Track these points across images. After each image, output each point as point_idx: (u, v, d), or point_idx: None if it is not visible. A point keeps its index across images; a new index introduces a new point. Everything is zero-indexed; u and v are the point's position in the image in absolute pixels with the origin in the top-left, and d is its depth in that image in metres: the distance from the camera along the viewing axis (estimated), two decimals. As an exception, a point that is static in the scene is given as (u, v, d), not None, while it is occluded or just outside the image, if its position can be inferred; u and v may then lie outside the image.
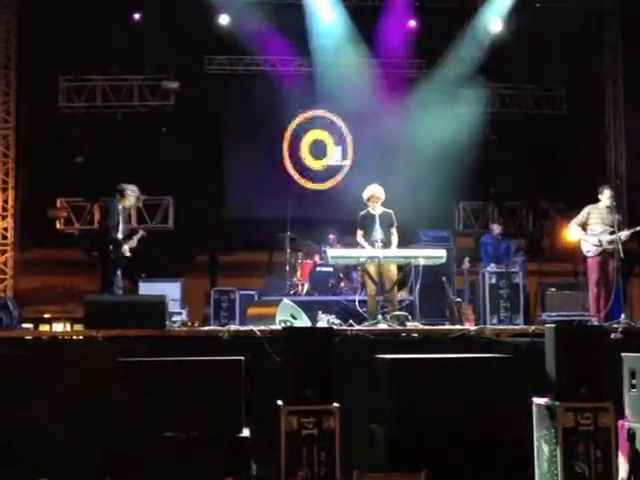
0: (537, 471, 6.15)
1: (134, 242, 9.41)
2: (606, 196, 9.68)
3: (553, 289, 12.06)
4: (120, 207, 9.41)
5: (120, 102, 14.57)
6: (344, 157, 15.19)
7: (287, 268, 12.20)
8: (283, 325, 8.18)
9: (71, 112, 14.54)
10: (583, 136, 14.45)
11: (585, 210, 9.79)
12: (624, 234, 9.47)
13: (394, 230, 9.64)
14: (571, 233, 10.06)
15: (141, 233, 9.67)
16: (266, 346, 7.12)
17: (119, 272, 9.28)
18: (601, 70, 14.92)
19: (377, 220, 9.46)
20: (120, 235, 9.30)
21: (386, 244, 9.41)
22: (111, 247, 9.18)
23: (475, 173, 14.04)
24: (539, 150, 14.56)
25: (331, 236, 12.67)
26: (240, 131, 14.70)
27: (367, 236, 9.54)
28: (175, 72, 14.43)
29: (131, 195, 9.49)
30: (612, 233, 9.48)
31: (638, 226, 9.52)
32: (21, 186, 14.26)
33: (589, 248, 9.65)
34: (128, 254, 9.27)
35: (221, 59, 14.81)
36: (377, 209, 9.63)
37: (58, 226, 14.53)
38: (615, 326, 8.15)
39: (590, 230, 9.69)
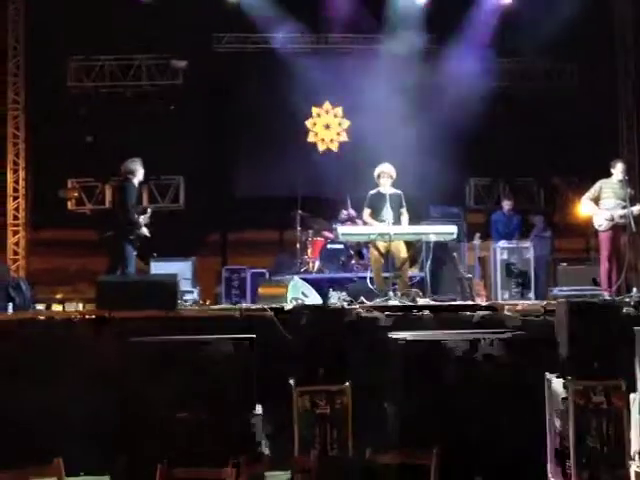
0: (549, 447, 6.16)
1: (146, 220, 9.40)
2: (619, 170, 9.62)
3: (564, 264, 12.03)
4: (137, 186, 9.38)
5: (129, 82, 14.54)
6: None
7: (298, 246, 12.20)
8: (294, 303, 8.19)
9: (80, 92, 14.52)
10: (595, 110, 14.34)
11: (597, 184, 9.73)
12: (637, 208, 9.42)
13: (404, 210, 9.62)
14: (584, 208, 10.00)
15: (150, 212, 9.68)
16: (277, 324, 7.13)
17: (135, 252, 9.30)
18: (612, 42, 14.79)
19: (387, 200, 9.43)
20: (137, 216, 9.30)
21: (396, 223, 9.38)
22: (131, 228, 9.16)
23: (486, 149, 13.97)
24: (550, 125, 14.47)
25: (344, 212, 12.63)
26: (249, 109, 14.65)
27: (376, 215, 9.51)
28: (183, 51, 14.38)
29: (139, 169, 9.45)
30: (624, 207, 9.43)
31: None
32: (32, 167, 14.28)
33: (601, 222, 9.61)
34: (147, 234, 9.26)
35: (230, 37, 14.74)
36: (387, 188, 9.60)
37: (69, 206, 14.55)
38: (627, 300, 8.13)
39: (602, 204, 9.63)
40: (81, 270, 14.03)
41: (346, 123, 15.27)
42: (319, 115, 15.27)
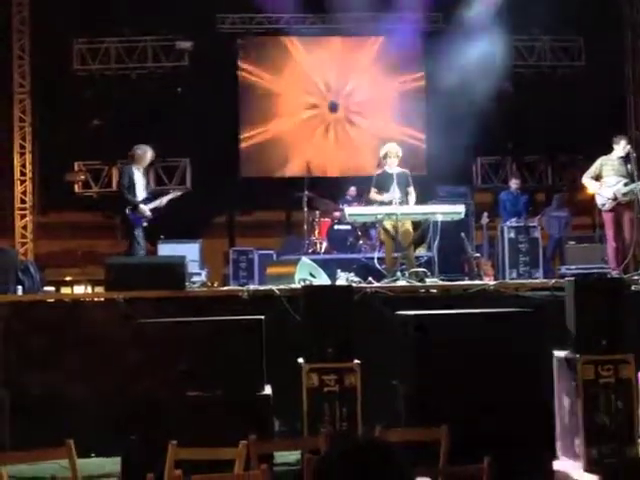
0: (558, 424, 6.17)
1: (162, 202, 9.45)
2: (621, 146, 9.48)
3: (572, 242, 12.00)
4: (134, 170, 9.44)
5: (134, 64, 14.52)
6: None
7: (305, 227, 12.20)
8: (302, 284, 8.20)
9: (86, 75, 14.51)
10: (603, 87, 14.26)
11: (597, 162, 9.60)
12: None
13: (411, 190, 9.58)
14: (588, 187, 9.85)
15: (173, 194, 9.74)
16: (286, 305, 7.15)
17: (140, 232, 9.32)
18: (620, 18, 14.68)
19: (395, 179, 9.39)
20: (139, 197, 9.35)
21: (403, 202, 9.36)
22: (127, 209, 9.23)
23: (493, 127, 13.92)
24: (558, 102, 14.40)
25: (352, 188, 12.59)
26: (256, 89, 14.63)
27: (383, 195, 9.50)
28: (188, 32, 14.35)
29: (141, 155, 9.52)
30: (627, 184, 9.33)
31: None
32: (38, 150, 14.29)
33: (604, 202, 9.47)
34: (148, 214, 9.29)
35: (234, 18, 14.70)
36: (394, 168, 9.57)
37: (76, 189, 14.58)
38: (635, 278, 8.12)
39: (604, 182, 9.50)
40: (89, 252, 14.06)
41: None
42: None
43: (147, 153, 9.59)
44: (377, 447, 2.08)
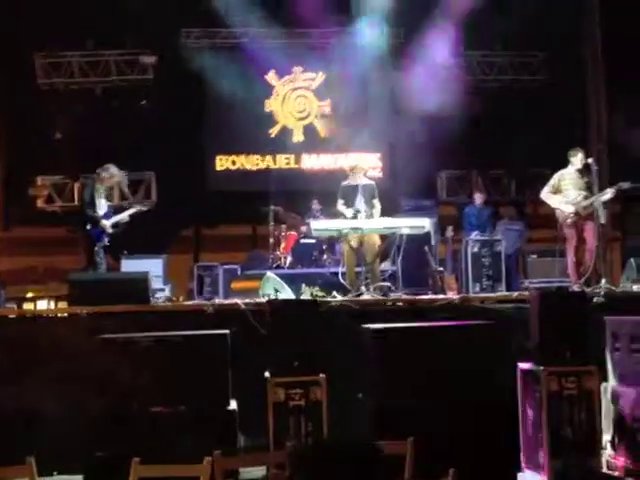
0: (523, 435, 6.21)
1: (124, 217, 9.44)
2: (578, 159, 9.54)
3: (534, 256, 12.08)
4: (97, 185, 9.42)
5: (98, 77, 14.45)
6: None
7: (271, 241, 12.18)
8: (268, 298, 8.17)
9: (49, 89, 14.40)
10: (565, 101, 14.43)
11: (556, 176, 9.65)
12: (606, 196, 9.30)
13: (376, 202, 9.62)
14: (549, 202, 9.85)
15: (136, 209, 9.71)
16: (251, 319, 7.13)
17: (100, 248, 9.27)
18: (580, 31, 14.86)
19: (360, 191, 9.43)
20: (100, 212, 9.29)
21: (369, 215, 9.39)
22: (88, 224, 9.19)
23: (458, 141, 14.02)
24: (522, 117, 14.54)
25: (315, 201, 12.58)
26: (220, 103, 14.61)
27: (349, 207, 9.53)
28: (152, 46, 14.32)
29: (106, 178, 9.49)
30: (587, 197, 9.39)
31: (612, 187, 9.34)
32: (1, 164, 14.14)
33: (565, 216, 9.53)
34: (110, 230, 9.25)
35: (198, 32, 14.69)
36: (360, 180, 9.61)
37: (39, 204, 14.44)
38: (596, 291, 8.20)
39: (564, 196, 9.56)
40: (51, 268, 13.92)
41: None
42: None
43: (113, 178, 9.61)
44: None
